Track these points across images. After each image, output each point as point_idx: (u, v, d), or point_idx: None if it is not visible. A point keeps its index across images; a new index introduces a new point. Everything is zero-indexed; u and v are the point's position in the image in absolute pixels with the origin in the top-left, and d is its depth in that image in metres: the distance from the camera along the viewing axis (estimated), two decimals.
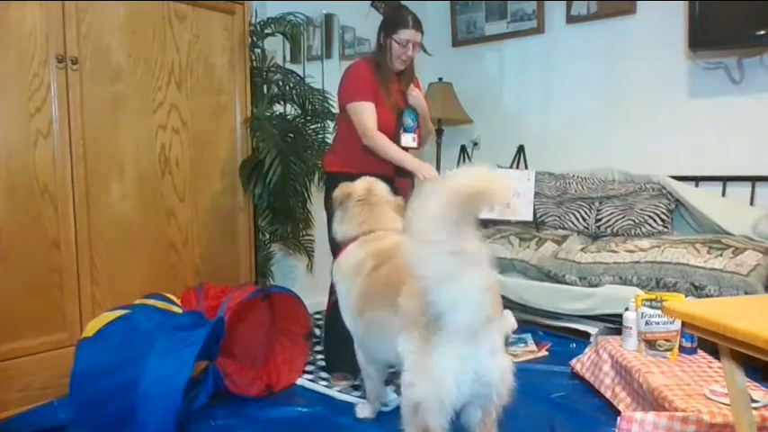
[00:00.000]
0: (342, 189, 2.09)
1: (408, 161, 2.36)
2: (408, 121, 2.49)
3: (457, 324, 1.41)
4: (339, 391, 2.34)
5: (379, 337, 1.79)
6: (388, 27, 2.43)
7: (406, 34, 2.40)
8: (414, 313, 1.52)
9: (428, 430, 1.46)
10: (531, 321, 3.11)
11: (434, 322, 1.45)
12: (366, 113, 2.36)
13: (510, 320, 2.73)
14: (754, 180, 3.18)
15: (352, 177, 2.38)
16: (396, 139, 2.43)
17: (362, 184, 2.09)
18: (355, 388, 2.33)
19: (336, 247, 2.47)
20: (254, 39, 2.96)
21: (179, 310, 2.19)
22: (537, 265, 3.13)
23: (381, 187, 2.10)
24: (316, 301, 3.19)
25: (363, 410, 2.12)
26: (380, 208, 2.03)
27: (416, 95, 2.52)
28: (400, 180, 2.44)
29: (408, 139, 2.47)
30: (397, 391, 1.93)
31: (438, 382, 1.43)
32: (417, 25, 2.43)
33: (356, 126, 2.38)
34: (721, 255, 2.62)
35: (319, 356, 2.72)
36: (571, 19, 3.82)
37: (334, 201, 2.11)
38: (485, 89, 4.24)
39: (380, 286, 1.79)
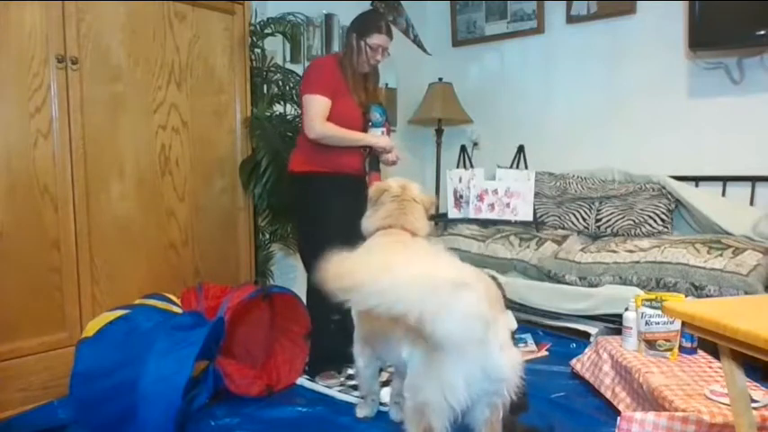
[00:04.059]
0: (377, 187, 2.11)
1: (367, 138, 2.43)
2: (376, 115, 2.49)
3: (456, 344, 1.39)
4: (339, 391, 2.34)
5: (383, 341, 1.80)
6: (361, 30, 2.43)
7: (378, 40, 2.41)
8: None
9: (431, 431, 1.46)
10: (531, 321, 3.11)
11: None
12: (318, 107, 2.33)
13: (510, 320, 2.73)
14: (754, 180, 3.18)
15: (323, 177, 2.39)
16: None
17: (397, 182, 2.11)
18: (355, 388, 2.33)
19: (308, 259, 2.48)
20: (254, 39, 2.96)
21: (179, 310, 2.19)
22: (537, 265, 3.13)
23: (415, 186, 2.11)
24: None
25: (362, 410, 2.12)
26: (410, 206, 2.04)
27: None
28: (374, 174, 2.47)
29: (377, 134, 2.48)
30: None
31: (447, 385, 1.42)
32: (389, 31, 2.45)
33: (303, 118, 2.37)
34: (721, 255, 2.62)
35: None
36: (571, 19, 3.82)
37: (368, 199, 2.11)
38: (485, 89, 4.24)
39: None
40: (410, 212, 2.01)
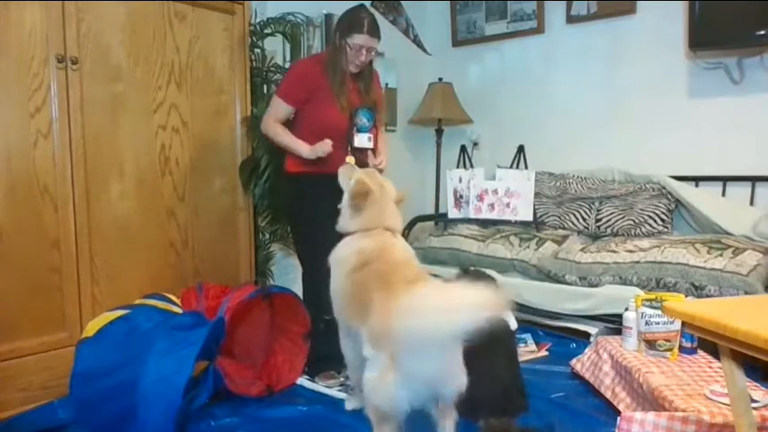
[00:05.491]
0: (359, 188, 2.01)
1: (302, 147, 2.37)
2: (363, 120, 2.39)
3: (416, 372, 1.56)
4: (339, 391, 2.34)
5: (355, 340, 1.85)
6: (343, 29, 2.35)
7: (359, 39, 2.32)
8: (380, 336, 1.62)
9: (386, 418, 1.62)
10: (531, 321, 3.11)
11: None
12: (275, 110, 2.45)
13: (510, 320, 2.73)
14: (754, 180, 3.18)
15: (315, 178, 2.37)
16: (349, 140, 2.37)
17: (374, 181, 2.04)
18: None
19: (302, 258, 2.50)
20: (254, 39, 2.96)
21: (179, 310, 2.20)
22: (537, 265, 3.13)
23: (390, 186, 2.09)
24: None
25: (351, 402, 2.13)
26: (389, 206, 2.03)
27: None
28: None
29: (363, 139, 2.38)
30: None
31: (393, 398, 1.57)
32: (373, 30, 2.34)
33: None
34: (721, 255, 2.62)
35: None
36: (571, 19, 3.82)
37: (352, 197, 2.03)
38: (485, 89, 4.24)
39: (355, 294, 1.84)
40: (390, 213, 2.03)
